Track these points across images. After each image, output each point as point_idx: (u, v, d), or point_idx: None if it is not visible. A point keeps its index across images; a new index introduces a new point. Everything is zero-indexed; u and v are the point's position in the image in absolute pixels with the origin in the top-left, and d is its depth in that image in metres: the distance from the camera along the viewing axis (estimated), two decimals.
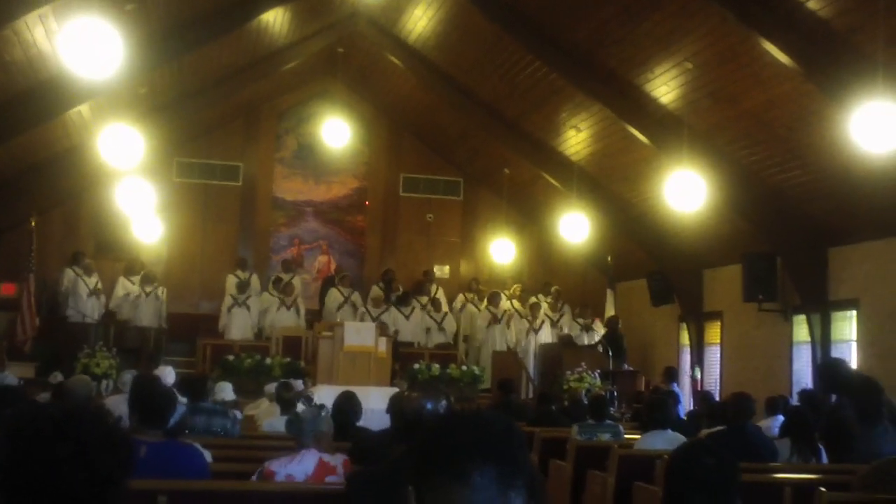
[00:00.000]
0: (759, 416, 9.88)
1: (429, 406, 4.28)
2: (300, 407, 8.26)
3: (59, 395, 8.51)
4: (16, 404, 6.01)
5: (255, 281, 17.50)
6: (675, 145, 12.83)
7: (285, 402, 8.89)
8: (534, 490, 1.70)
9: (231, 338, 16.39)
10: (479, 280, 19.04)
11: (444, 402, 4.33)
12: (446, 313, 17.73)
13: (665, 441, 7.50)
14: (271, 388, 10.53)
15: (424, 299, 17.82)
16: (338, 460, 5.33)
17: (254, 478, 5.25)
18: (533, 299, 18.24)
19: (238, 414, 8.53)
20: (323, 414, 5.64)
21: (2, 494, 2.00)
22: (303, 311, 17.10)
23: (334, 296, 17.29)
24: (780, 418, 9.13)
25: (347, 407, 7.23)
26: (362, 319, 16.12)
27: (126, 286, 16.91)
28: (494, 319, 17.59)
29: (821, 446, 7.27)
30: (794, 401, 10.74)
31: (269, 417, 9.10)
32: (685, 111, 12.71)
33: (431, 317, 17.48)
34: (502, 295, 18.20)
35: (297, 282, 17.79)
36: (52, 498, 1.99)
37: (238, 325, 16.69)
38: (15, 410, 2.13)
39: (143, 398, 4.78)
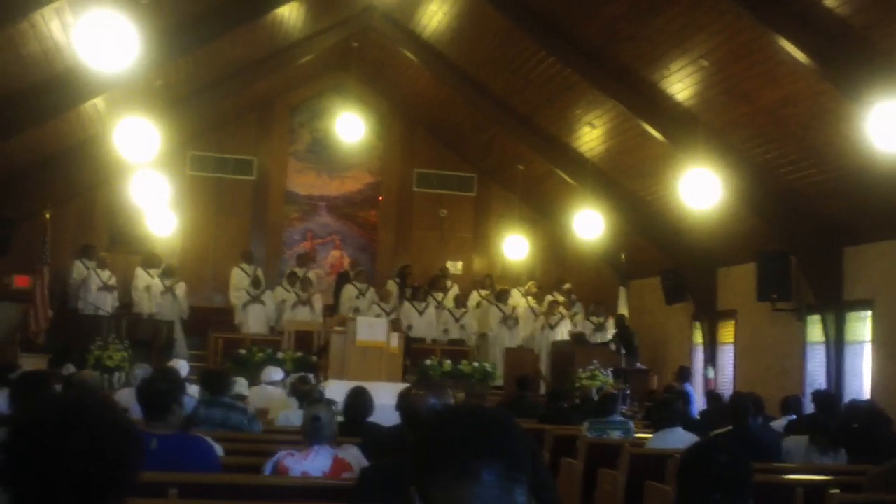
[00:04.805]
0: (775, 416, 9.86)
1: (434, 402, 4.27)
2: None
3: (70, 388, 8.54)
4: (39, 392, 6.06)
5: (260, 275, 17.46)
6: (690, 142, 12.79)
7: (302, 395, 8.91)
8: (545, 487, 1.69)
9: (248, 332, 16.43)
10: (492, 276, 19.00)
11: (450, 399, 4.32)
12: (465, 311, 17.68)
13: (677, 440, 7.48)
14: (272, 376, 10.52)
15: (440, 295, 17.81)
16: (350, 454, 5.33)
17: (267, 470, 5.24)
18: (549, 298, 18.20)
19: (251, 409, 8.52)
20: (333, 409, 5.66)
21: (14, 485, 2.00)
22: (319, 308, 17.08)
23: (349, 291, 17.31)
24: (794, 418, 9.12)
25: (358, 402, 7.22)
26: (377, 315, 16.12)
27: (145, 279, 16.91)
28: (506, 317, 17.56)
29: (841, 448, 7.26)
30: (807, 400, 10.71)
31: (284, 410, 9.11)
32: (700, 108, 12.67)
33: (451, 313, 17.46)
34: (513, 292, 18.16)
35: (312, 276, 17.80)
36: (64, 488, 1.99)
37: (254, 321, 16.74)
38: (27, 403, 2.14)
39: (147, 391, 4.79)
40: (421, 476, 1.67)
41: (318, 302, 17.17)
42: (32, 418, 2.09)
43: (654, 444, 7.86)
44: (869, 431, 7.05)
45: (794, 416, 9.38)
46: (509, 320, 17.52)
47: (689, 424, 8.53)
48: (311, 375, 10.45)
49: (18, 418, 2.12)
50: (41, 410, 2.12)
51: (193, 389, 8.73)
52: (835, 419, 7.67)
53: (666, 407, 8.25)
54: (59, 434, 2.02)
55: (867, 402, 10.31)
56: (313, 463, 5.19)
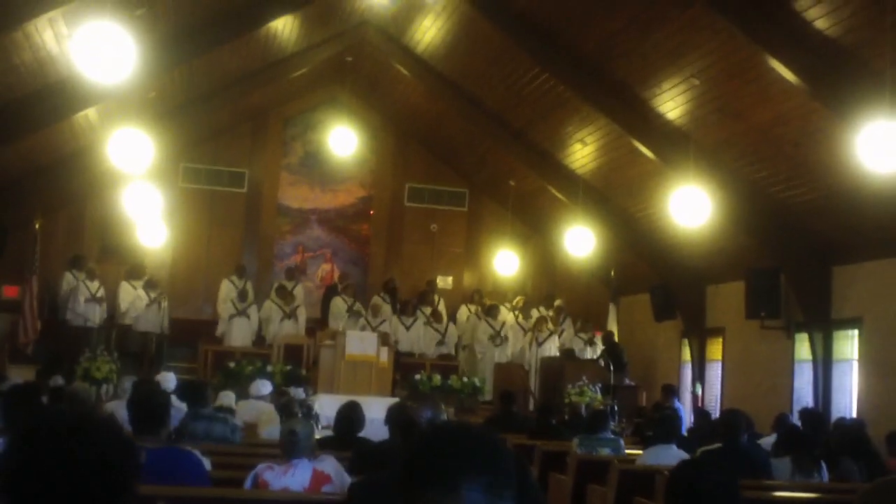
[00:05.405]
0: (765, 433, 9.87)
1: (428, 415, 4.28)
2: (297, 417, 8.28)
3: (57, 400, 8.51)
4: (30, 404, 6.04)
5: (249, 289, 17.42)
6: (682, 160, 12.84)
7: (281, 408, 8.90)
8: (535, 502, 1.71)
9: (231, 345, 16.39)
10: (482, 292, 19.00)
11: (443, 413, 4.34)
12: (448, 325, 17.68)
13: (670, 456, 7.48)
14: (260, 390, 10.50)
15: (428, 310, 17.80)
16: (328, 466, 5.33)
17: (247, 484, 5.25)
18: (536, 312, 18.21)
19: (238, 421, 8.52)
20: (312, 423, 5.67)
21: (14, 495, 1.98)
22: (301, 320, 17.06)
23: (338, 305, 17.29)
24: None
25: (352, 416, 7.23)
26: (364, 329, 16.12)
27: (129, 291, 16.85)
28: (496, 334, 17.52)
29: (822, 463, 7.27)
30: (795, 418, 10.74)
31: (269, 425, 9.09)
32: (692, 126, 12.71)
33: (434, 328, 17.45)
34: (502, 307, 18.16)
35: (299, 290, 17.76)
36: (66, 500, 1.97)
37: (238, 334, 16.67)
38: (29, 413, 2.12)
39: (141, 404, 4.78)
40: (407, 493, 1.68)
41: (302, 315, 17.14)
42: (36, 427, 2.07)
43: (646, 459, 7.86)
44: (854, 449, 7.08)
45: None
46: (498, 338, 17.48)
47: (680, 442, 8.53)
48: (293, 388, 10.41)
49: (22, 427, 2.10)
50: (45, 420, 2.10)
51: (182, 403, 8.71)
52: (821, 437, 7.69)
53: (666, 423, 8.24)
54: (64, 443, 2.00)
55: (854, 420, 10.34)
56: (293, 478, 5.20)
